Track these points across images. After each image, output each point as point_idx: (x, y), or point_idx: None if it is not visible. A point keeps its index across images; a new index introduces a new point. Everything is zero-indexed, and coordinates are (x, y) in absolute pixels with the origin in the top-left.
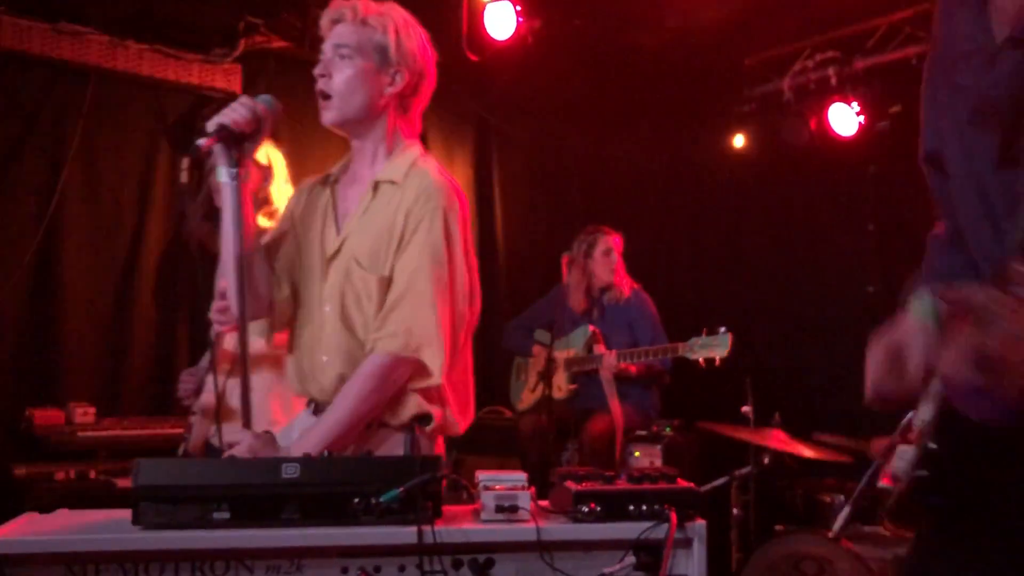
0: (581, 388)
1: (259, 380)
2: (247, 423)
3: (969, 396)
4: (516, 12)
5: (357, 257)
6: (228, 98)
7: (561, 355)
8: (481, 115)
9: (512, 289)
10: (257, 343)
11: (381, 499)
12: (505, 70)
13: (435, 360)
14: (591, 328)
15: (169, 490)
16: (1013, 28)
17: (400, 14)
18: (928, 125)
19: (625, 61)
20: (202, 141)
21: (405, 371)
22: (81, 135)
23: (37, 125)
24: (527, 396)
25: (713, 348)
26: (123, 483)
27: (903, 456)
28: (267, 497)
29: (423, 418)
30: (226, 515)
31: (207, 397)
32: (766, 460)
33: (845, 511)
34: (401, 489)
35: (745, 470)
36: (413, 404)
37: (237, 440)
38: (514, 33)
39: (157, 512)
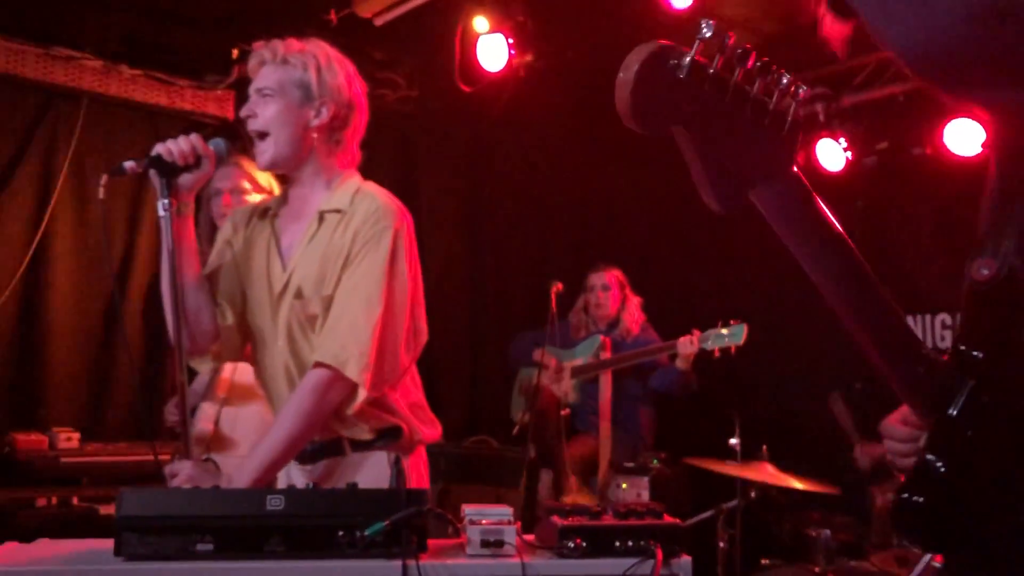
0: (574, 410)
1: (251, 411)
2: (187, 453)
3: None
4: (508, 45)
5: (303, 287)
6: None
7: (568, 364)
8: (473, 145)
9: (500, 319)
10: (249, 375)
11: (366, 532)
12: (497, 101)
13: (358, 374)
14: (602, 337)
15: (152, 521)
16: None
17: (323, 50)
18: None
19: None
20: (129, 163)
21: (342, 386)
22: (72, 160)
23: (28, 149)
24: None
25: (729, 338)
26: (106, 510)
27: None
28: (251, 529)
29: (391, 431)
30: (210, 547)
31: (199, 426)
32: (753, 494)
33: None
34: (387, 522)
35: (732, 504)
36: (373, 418)
37: (177, 471)
38: (506, 65)
39: (140, 543)
